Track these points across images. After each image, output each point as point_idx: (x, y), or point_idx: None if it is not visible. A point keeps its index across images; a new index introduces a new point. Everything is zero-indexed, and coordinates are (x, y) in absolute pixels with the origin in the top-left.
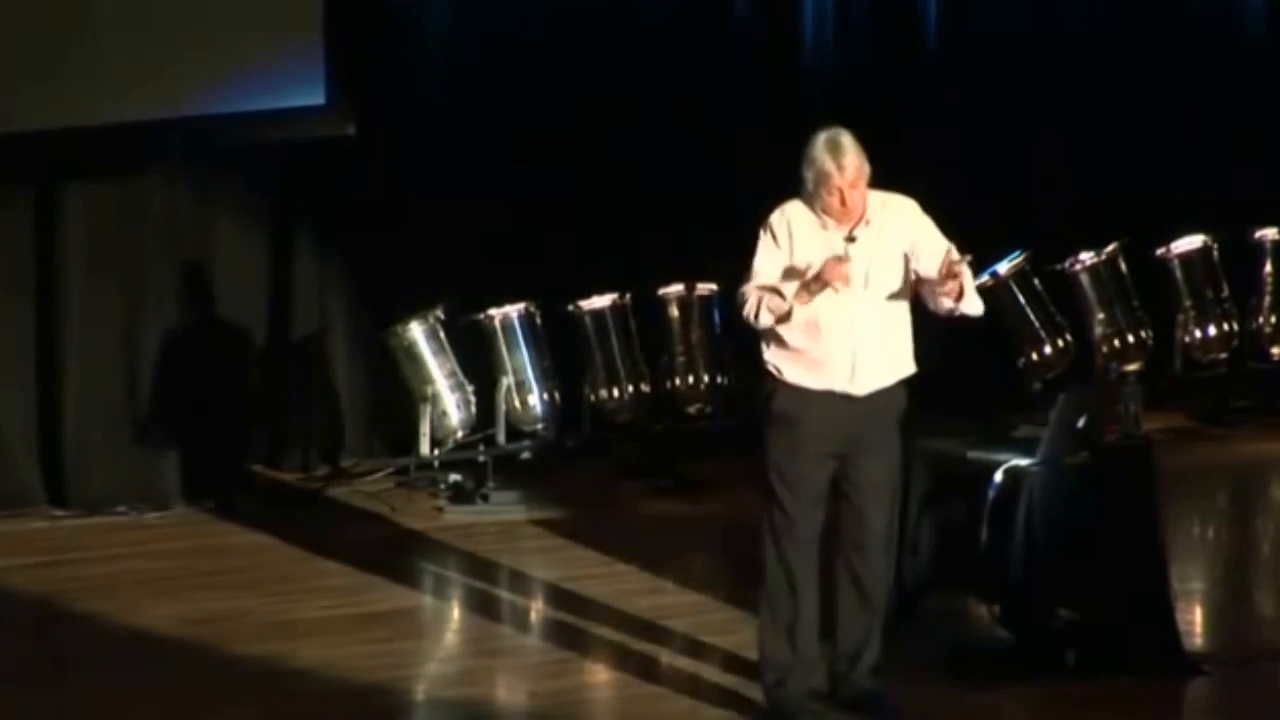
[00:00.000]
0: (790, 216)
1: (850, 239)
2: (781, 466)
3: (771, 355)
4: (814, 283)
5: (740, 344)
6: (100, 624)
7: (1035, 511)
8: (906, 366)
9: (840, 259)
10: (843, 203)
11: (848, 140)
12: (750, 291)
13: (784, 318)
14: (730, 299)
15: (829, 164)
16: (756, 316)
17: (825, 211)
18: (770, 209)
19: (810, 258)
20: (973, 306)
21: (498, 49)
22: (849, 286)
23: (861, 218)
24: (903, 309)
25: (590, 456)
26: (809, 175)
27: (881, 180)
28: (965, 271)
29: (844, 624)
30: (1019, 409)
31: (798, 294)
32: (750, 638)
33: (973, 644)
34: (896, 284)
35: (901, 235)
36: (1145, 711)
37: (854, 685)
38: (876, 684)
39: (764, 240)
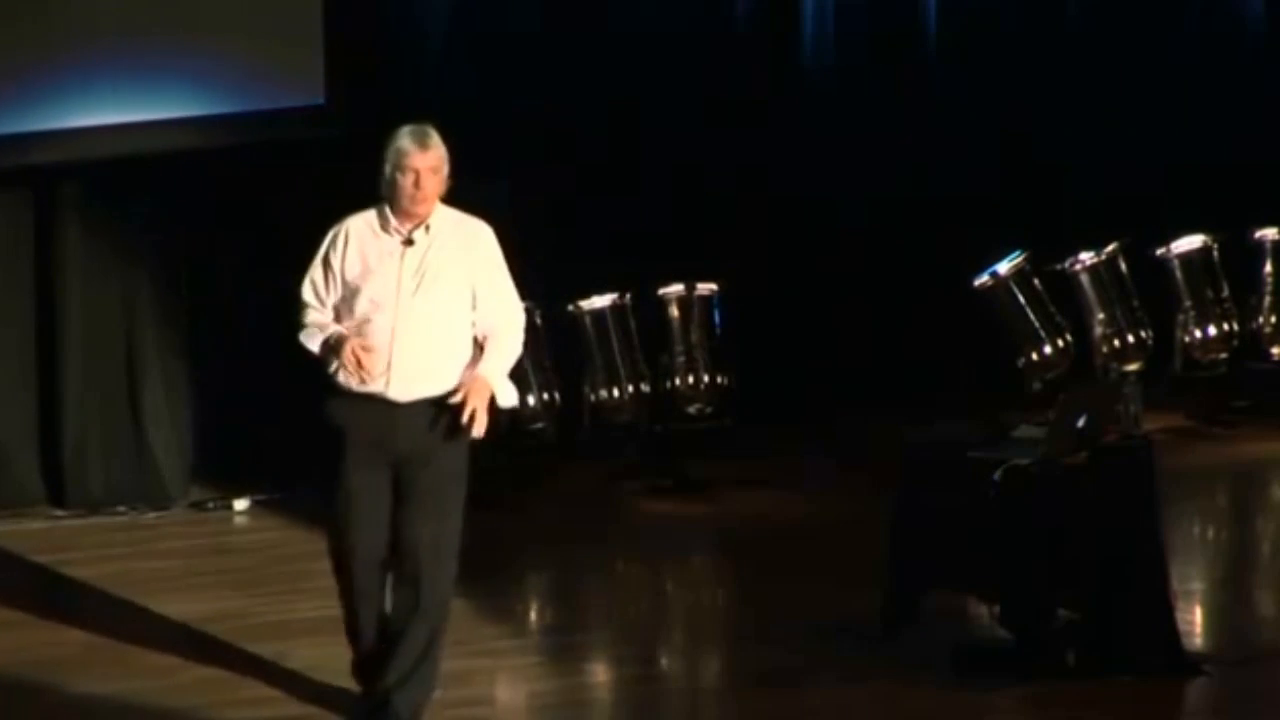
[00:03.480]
0: (348, 227)
1: (408, 242)
2: (339, 476)
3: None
4: (349, 360)
5: (740, 344)
6: (99, 624)
7: (1035, 511)
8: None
9: (367, 349)
10: (416, 184)
11: (434, 133)
12: (312, 325)
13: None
14: (730, 299)
15: (409, 144)
16: (316, 351)
17: (395, 201)
18: (770, 207)
19: (359, 268)
20: (506, 399)
21: (497, 49)
22: (373, 379)
23: (423, 221)
24: (463, 325)
25: (590, 456)
26: (387, 161)
27: (877, 178)
28: (482, 396)
29: (401, 633)
30: (1019, 409)
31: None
32: (749, 637)
33: (973, 644)
34: (453, 299)
35: (463, 261)
36: (1145, 711)
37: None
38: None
39: (318, 257)
